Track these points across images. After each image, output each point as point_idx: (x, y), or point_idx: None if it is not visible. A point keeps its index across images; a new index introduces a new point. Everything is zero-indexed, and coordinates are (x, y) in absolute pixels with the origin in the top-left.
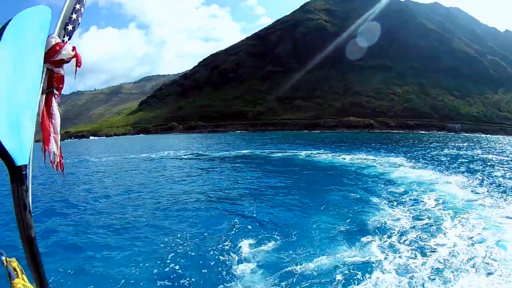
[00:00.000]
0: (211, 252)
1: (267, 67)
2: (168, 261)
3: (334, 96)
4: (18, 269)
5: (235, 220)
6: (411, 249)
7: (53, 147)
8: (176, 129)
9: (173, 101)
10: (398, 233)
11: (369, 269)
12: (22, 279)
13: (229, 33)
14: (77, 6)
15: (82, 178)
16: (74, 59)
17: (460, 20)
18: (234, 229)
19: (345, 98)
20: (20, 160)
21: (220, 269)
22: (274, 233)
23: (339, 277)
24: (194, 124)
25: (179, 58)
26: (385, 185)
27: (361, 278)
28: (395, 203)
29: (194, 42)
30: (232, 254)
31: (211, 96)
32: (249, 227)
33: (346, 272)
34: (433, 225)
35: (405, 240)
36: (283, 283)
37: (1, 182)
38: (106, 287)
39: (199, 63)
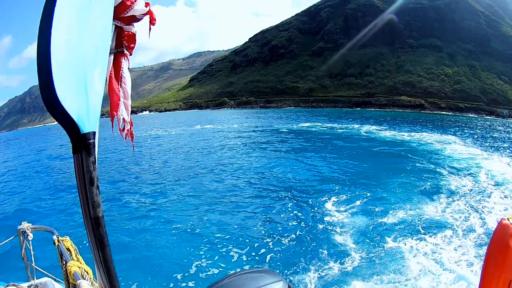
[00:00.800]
0: (310, 209)
1: (318, 44)
2: (263, 222)
3: (386, 74)
4: (72, 249)
5: (323, 182)
6: (469, 210)
7: (123, 113)
8: (227, 104)
9: (223, 76)
10: (459, 196)
11: (440, 224)
12: (78, 260)
13: (278, 8)
14: None
15: (152, 150)
16: (147, 16)
17: (506, 3)
18: (327, 188)
19: (396, 76)
20: (87, 127)
21: (321, 218)
22: (361, 192)
23: (419, 228)
24: (245, 99)
25: (228, 34)
26: (444, 159)
27: (435, 232)
28: (454, 173)
29: (244, 17)
30: (328, 209)
31: (262, 72)
32: (340, 187)
33: (424, 225)
34: (485, 191)
35: (463, 201)
36: (373, 232)
37: (39, 151)
38: (182, 266)
39: (249, 39)
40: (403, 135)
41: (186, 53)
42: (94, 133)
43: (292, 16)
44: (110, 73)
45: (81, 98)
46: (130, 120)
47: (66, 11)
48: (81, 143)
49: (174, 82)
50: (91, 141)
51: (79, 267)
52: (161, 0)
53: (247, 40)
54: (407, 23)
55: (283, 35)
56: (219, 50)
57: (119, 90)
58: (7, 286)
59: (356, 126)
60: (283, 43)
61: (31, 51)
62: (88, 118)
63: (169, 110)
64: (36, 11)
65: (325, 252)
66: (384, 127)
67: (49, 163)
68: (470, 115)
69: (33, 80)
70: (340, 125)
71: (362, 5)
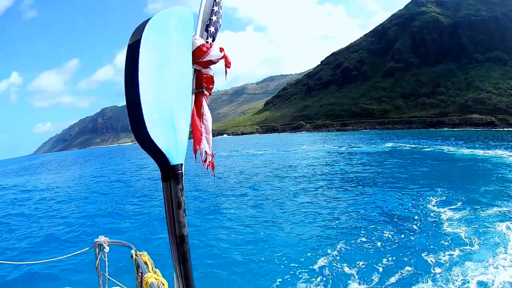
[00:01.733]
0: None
1: (389, 64)
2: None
3: (457, 91)
4: (149, 263)
5: (422, 190)
6: None
7: (205, 146)
8: (304, 127)
9: (298, 100)
10: None
11: None
12: (155, 273)
13: (346, 30)
14: (215, 8)
15: (251, 166)
16: (222, 60)
17: None
18: (428, 194)
19: (467, 93)
20: (175, 159)
21: (427, 216)
22: (459, 197)
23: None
24: (321, 122)
25: (299, 57)
26: None
27: None
28: None
29: (313, 40)
30: (431, 209)
31: (336, 94)
32: (441, 193)
33: None
34: None
35: None
36: (477, 222)
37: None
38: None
39: (321, 61)
40: (479, 152)
41: (259, 77)
42: (181, 164)
43: (361, 37)
44: (192, 111)
45: (169, 135)
46: (211, 153)
47: (150, 59)
48: (170, 173)
49: (249, 106)
50: (179, 171)
51: (156, 279)
52: (231, 27)
53: (319, 63)
54: (471, 37)
55: (353, 56)
56: (292, 74)
57: (201, 126)
58: None
59: (436, 146)
60: (355, 65)
61: (101, 74)
62: (176, 151)
63: (246, 134)
64: (102, 35)
65: (441, 242)
66: (462, 146)
67: (130, 182)
68: None
69: (105, 102)
70: (421, 145)
71: (426, 22)
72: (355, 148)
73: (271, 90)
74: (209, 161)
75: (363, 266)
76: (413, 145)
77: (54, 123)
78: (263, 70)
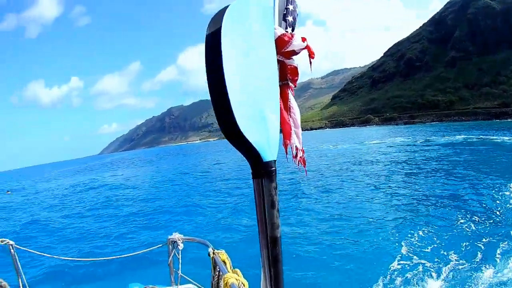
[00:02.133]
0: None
1: (450, 53)
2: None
3: None
4: (227, 262)
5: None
6: None
7: (295, 141)
8: (372, 121)
9: (365, 93)
10: None
11: None
12: (235, 272)
13: (404, 20)
14: None
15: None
16: (305, 50)
17: None
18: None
19: None
20: (268, 156)
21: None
22: None
23: None
24: (389, 115)
25: (360, 49)
26: None
27: None
28: None
29: (373, 32)
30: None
31: (401, 86)
32: None
33: None
34: None
35: None
36: None
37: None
38: None
39: (384, 53)
40: None
41: (322, 71)
42: (274, 161)
43: (420, 27)
44: (280, 105)
45: (261, 130)
46: (302, 148)
47: (233, 47)
48: (263, 170)
49: (315, 101)
50: (272, 168)
51: (236, 279)
52: None
53: (382, 54)
54: None
55: (415, 47)
56: (355, 67)
57: (289, 120)
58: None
59: (505, 136)
60: (417, 55)
61: (164, 75)
62: (269, 148)
63: (315, 129)
64: (161, 37)
65: None
66: None
67: (206, 178)
68: None
69: (169, 101)
70: (491, 137)
71: (480, 8)
72: (428, 141)
73: (336, 84)
74: (300, 157)
75: (468, 247)
76: (483, 136)
77: (120, 124)
78: (326, 64)
